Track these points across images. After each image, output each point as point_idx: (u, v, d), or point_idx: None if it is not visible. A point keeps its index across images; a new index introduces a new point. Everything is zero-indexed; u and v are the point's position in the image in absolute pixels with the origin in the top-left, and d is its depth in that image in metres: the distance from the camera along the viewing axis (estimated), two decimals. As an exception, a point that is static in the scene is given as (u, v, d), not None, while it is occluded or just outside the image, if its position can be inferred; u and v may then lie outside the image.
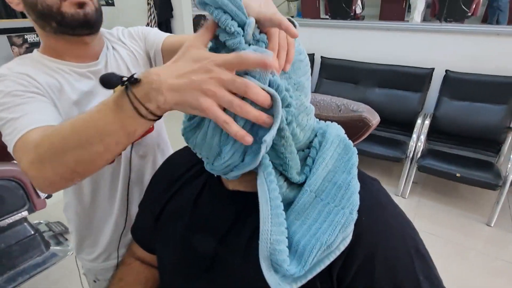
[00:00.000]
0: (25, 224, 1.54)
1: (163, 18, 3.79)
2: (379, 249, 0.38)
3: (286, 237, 0.36)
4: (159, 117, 0.36)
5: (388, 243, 0.38)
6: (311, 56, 2.75)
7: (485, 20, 3.08)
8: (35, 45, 2.12)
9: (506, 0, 2.82)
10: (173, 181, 0.57)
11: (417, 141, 2.14)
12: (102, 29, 0.70)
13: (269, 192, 0.36)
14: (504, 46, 2.07)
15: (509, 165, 1.83)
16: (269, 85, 0.35)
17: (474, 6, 2.73)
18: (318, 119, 0.49)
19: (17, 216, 1.38)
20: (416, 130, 2.17)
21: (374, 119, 0.56)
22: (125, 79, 0.35)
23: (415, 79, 2.32)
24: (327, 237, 0.35)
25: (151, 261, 0.64)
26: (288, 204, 0.41)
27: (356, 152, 0.42)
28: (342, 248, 0.36)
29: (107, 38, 0.74)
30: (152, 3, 3.82)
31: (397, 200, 2.26)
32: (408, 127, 2.31)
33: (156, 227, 0.57)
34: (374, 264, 0.37)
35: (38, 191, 1.41)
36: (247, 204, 0.46)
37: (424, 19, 3.09)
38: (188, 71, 0.34)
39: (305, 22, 2.89)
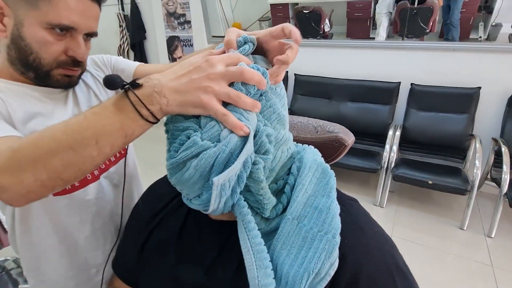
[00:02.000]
0: (-9, 262, 1.43)
1: (136, 40, 3.78)
2: (362, 272, 0.39)
3: (273, 278, 0.36)
4: (158, 120, 0.38)
5: (370, 266, 0.40)
6: (285, 74, 2.83)
7: (442, 35, 3.33)
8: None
9: (457, 18, 3.07)
10: (157, 212, 0.56)
11: (390, 151, 2.23)
12: None
13: (250, 240, 0.37)
14: (460, 61, 2.24)
15: (475, 171, 1.95)
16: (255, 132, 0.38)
17: (431, 23, 2.96)
18: (295, 142, 0.50)
19: (-18, 255, 1.28)
20: (388, 141, 2.26)
21: (349, 139, 0.58)
22: (126, 83, 0.37)
23: (384, 93, 2.44)
24: (313, 266, 0.35)
25: (133, 295, 0.62)
26: (273, 232, 0.41)
27: (334, 175, 0.44)
28: (332, 273, 0.37)
29: None
30: (124, 25, 3.80)
31: (376, 210, 2.32)
32: (380, 138, 2.40)
33: (140, 260, 0.55)
34: (358, 286, 0.39)
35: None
36: (231, 234, 0.45)
37: (388, 36, 3.30)
38: (186, 73, 0.37)
39: (277, 41, 2.98)
